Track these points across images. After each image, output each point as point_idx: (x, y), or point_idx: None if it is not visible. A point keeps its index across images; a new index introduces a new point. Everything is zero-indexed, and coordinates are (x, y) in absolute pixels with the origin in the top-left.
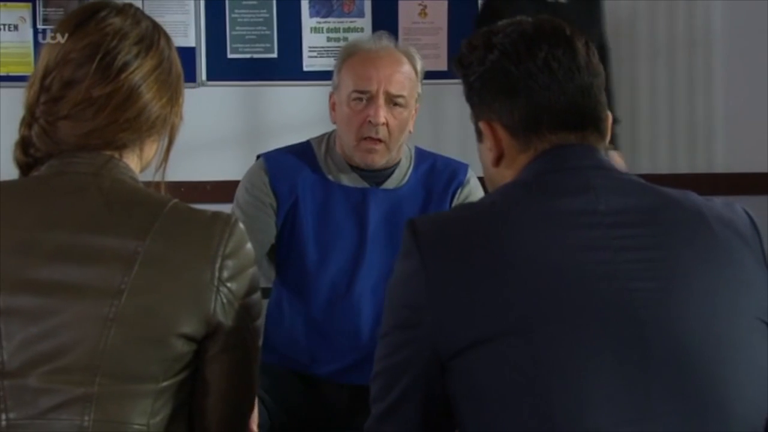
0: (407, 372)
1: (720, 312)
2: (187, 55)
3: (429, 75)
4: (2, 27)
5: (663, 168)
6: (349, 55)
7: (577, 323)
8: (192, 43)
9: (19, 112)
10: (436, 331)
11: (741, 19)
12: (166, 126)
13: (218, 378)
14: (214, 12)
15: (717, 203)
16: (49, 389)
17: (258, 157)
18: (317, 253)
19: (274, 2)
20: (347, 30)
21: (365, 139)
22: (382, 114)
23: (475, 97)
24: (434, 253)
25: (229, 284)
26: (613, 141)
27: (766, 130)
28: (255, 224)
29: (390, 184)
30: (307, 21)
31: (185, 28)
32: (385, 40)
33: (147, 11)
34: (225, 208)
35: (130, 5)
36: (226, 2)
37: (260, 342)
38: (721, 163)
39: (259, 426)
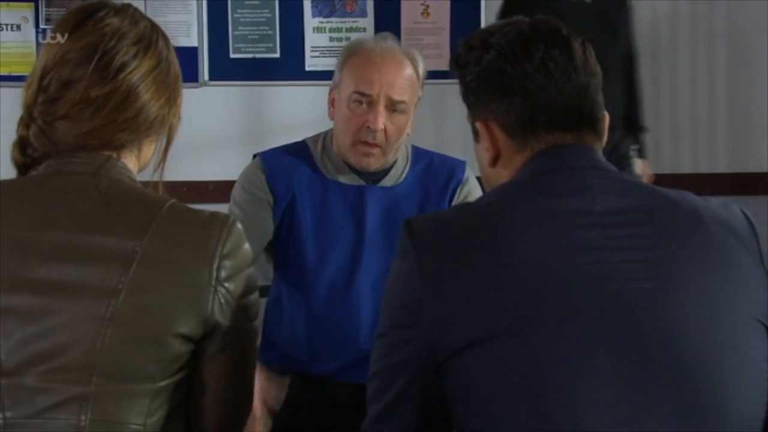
0: (404, 372)
1: (717, 312)
2: (190, 54)
3: (431, 75)
4: (5, 27)
5: (666, 168)
6: (352, 53)
7: (573, 323)
8: (194, 43)
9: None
10: (432, 331)
11: (742, 19)
12: (165, 126)
13: (216, 378)
14: (216, 12)
15: (714, 203)
16: (46, 388)
17: (254, 156)
18: (316, 251)
19: (277, 2)
20: (349, 30)
21: (362, 142)
22: (381, 121)
23: (471, 97)
24: (430, 252)
25: (226, 284)
26: (640, 150)
27: None
28: (252, 220)
29: (387, 182)
30: (310, 21)
31: (188, 27)
32: (390, 42)
33: (149, 11)
34: (227, 208)
35: (129, 5)
36: (229, 2)
37: (258, 342)
38: (724, 163)
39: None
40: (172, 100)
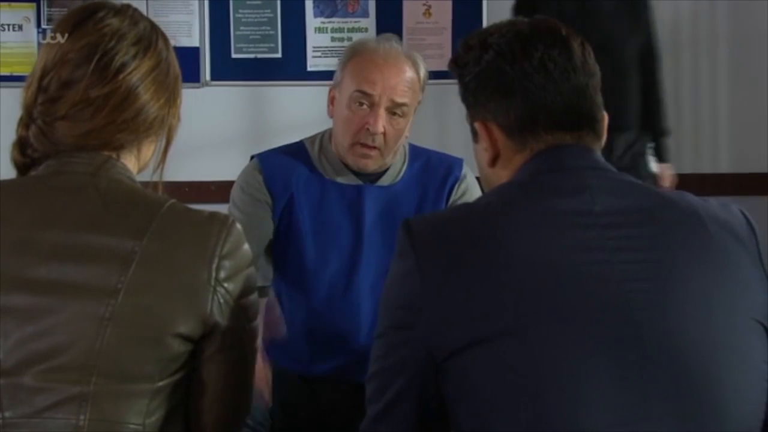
0: (402, 373)
1: (716, 313)
2: (191, 55)
3: (433, 75)
4: (7, 27)
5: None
6: (355, 53)
7: (572, 324)
8: (196, 43)
9: None
10: (431, 331)
11: (745, 19)
12: (164, 127)
13: (215, 378)
14: (218, 12)
15: (713, 204)
16: (44, 388)
17: (252, 157)
18: (315, 251)
19: (278, 2)
20: (351, 30)
21: (360, 144)
22: (381, 123)
23: (470, 97)
24: (429, 253)
25: (226, 284)
26: (661, 153)
27: None
28: (252, 221)
29: (384, 180)
30: (311, 21)
31: (189, 28)
32: (393, 43)
33: (151, 11)
34: (227, 209)
35: (129, 6)
36: (230, 2)
37: (257, 343)
38: (726, 164)
39: (260, 424)
40: (171, 100)
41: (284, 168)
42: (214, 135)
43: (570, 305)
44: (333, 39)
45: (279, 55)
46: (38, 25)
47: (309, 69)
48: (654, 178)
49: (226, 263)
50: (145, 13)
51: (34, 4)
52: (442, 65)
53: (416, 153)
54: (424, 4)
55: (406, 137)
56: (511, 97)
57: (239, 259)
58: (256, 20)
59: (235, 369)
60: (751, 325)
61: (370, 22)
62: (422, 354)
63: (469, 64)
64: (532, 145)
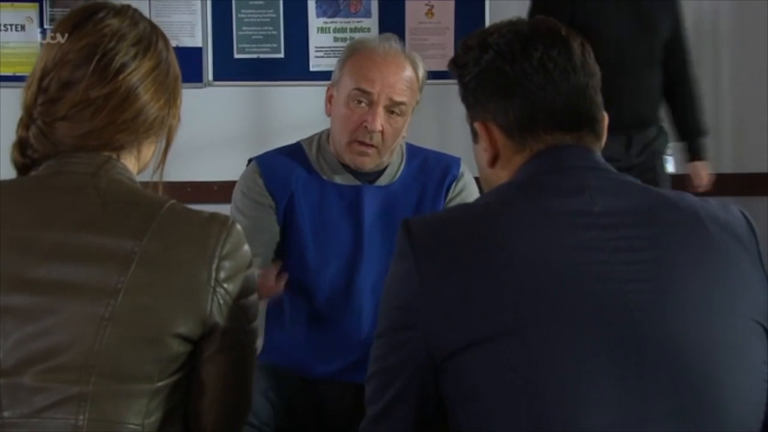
0: (402, 373)
1: (716, 313)
2: (194, 55)
3: (435, 75)
4: (9, 27)
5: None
6: (354, 52)
7: (571, 324)
8: (199, 43)
9: None
10: (430, 332)
11: (747, 18)
12: (164, 127)
13: (214, 379)
14: (220, 12)
15: (713, 204)
16: (43, 388)
17: (250, 161)
18: (316, 252)
19: (281, 2)
20: (354, 30)
21: (358, 142)
22: (380, 121)
23: (470, 97)
24: (428, 254)
25: (225, 285)
26: (699, 153)
27: None
28: (258, 225)
29: (383, 180)
30: (314, 21)
31: (192, 28)
32: (392, 42)
33: (154, 11)
34: (229, 212)
35: (129, 7)
36: (233, 2)
37: (257, 344)
38: (728, 164)
39: (265, 424)
40: (171, 101)
41: (283, 169)
42: (216, 135)
43: (570, 305)
44: (335, 39)
45: (281, 55)
46: (41, 25)
47: (311, 69)
48: (669, 179)
49: (226, 264)
50: (147, 13)
51: (36, 5)
52: (445, 65)
53: (414, 152)
54: (426, 4)
55: (403, 137)
56: (511, 98)
57: (239, 259)
58: (258, 20)
59: (235, 370)
60: (750, 325)
61: (372, 22)
62: (422, 354)
63: (469, 64)
64: (532, 146)
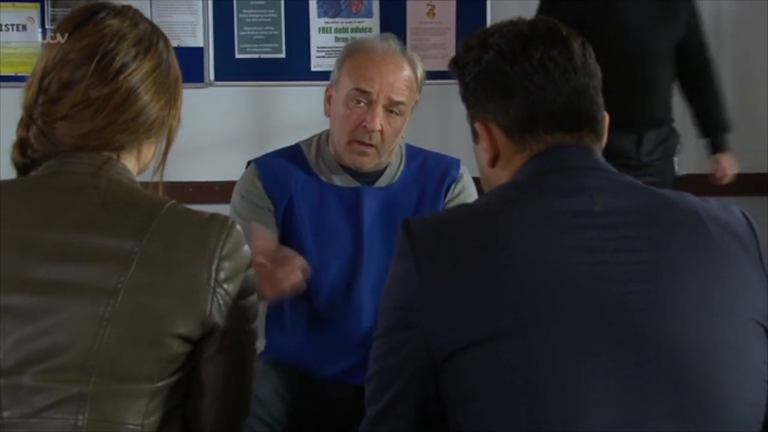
0: (402, 373)
1: (716, 314)
2: (195, 55)
3: (436, 75)
4: (11, 27)
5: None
6: (353, 51)
7: (572, 324)
8: (200, 43)
9: None
10: (430, 332)
11: (748, 18)
12: (164, 128)
13: (214, 379)
14: (222, 12)
15: (713, 205)
16: (43, 388)
17: (248, 163)
18: (315, 254)
19: (282, 2)
20: (355, 30)
21: (357, 141)
22: (379, 121)
23: (470, 97)
24: (428, 254)
25: (225, 285)
26: (723, 146)
27: None
28: None
29: (382, 181)
30: (315, 21)
31: (193, 28)
32: (391, 42)
33: (155, 11)
34: (229, 214)
35: (129, 7)
36: (234, 2)
37: (257, 344)
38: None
39: (277, 421)
40: (172, 101)
41: (282, 172)
42: (217, 135)
43: (570, 306)
44: (337, 39)
45: (283, 55)
46: (42, 25)
47: (313, 69)
48: (678, 180)
49: (226, 264)
50: (148, 13)
51: (38, 5)
52: (446, 65)
53: (413, 153)
54: (427, 4)
55: (402, 137)
56: (511, 98)
57: (239, 260)
58: (260, 20)
59: (234, 370)
60: (751, 325)
61: (373, 22)
62: (422, 355)
63: (469, 64)
64: (532, 146)
